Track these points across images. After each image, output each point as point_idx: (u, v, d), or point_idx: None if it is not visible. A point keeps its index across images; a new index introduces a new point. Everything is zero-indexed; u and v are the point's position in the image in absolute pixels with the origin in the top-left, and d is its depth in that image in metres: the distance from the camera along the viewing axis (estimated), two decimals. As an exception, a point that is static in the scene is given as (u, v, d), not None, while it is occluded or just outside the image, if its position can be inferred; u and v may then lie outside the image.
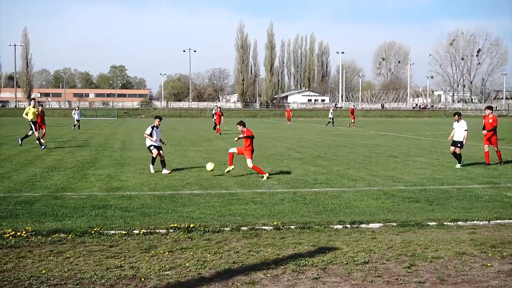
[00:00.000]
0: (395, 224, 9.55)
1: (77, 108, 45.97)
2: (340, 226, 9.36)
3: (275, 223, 9.39)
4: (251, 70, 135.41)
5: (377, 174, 16.19)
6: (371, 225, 9.48)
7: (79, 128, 42.90)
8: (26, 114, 25.09)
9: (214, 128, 39.98)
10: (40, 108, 27.45)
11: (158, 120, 16.39)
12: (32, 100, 26.57)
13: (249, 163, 15.33)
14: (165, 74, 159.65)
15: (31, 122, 24.89)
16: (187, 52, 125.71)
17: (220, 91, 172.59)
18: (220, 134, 37.25)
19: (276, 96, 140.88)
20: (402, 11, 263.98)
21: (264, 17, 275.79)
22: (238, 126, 15.55)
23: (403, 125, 57.72)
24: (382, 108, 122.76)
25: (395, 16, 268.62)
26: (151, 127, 16.34)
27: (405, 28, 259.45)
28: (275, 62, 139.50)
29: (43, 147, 23.88)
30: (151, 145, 16.30)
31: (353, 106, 79.63)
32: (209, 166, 15.86)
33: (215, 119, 39.91)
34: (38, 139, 24.94)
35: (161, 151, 16.33)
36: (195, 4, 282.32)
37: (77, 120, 43.78)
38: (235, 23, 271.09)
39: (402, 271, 6.86)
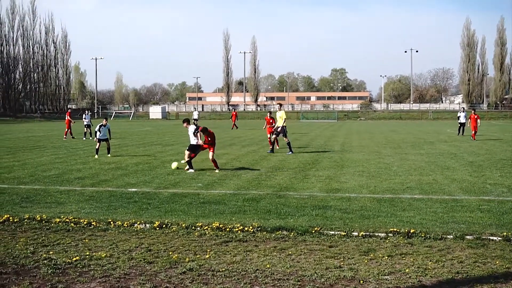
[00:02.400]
0: None
1: None
2: None
3: (505, 233, 8.67)
4: (478, 69, 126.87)
5: None
6: None
7: None
8: (281, 118, 24.00)
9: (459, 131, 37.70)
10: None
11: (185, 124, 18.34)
12: (279, 105, 25.88)
13: (211, 156, 17.34)
14: (385, 75, 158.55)
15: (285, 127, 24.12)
16: (408, 53, 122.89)
17: (443, 92, 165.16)
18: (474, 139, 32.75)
19: (506, 96, 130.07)
20: None
21: (493, 11, 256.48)
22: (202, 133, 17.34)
23: None
24: None
25: None
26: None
27: None
28: (506, 60, 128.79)
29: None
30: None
31: None
32: (174, 164, 17.67)
33: (460, 123, 37.18)
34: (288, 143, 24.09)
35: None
36: (416, 2, 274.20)
37: None
38: (460, 20, 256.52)
39: None
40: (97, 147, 22.08)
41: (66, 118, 36.08)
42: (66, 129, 35.71)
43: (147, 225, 9.47)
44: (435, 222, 9.76)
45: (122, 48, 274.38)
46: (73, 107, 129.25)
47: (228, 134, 40.58)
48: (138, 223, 9.57)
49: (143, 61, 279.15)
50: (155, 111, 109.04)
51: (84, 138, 34.71)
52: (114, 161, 20.25)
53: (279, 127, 23.95)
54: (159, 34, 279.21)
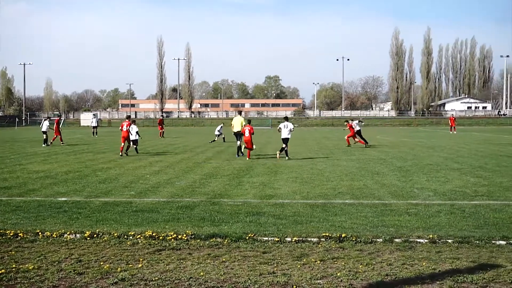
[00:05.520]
0: None
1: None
2: (503, 242, 8.71)
3: (431, 236, 9.01)
4: (406, 77, 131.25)
5: (547, 187, 14.84)
6: (540, 243, 8.69)
7: None
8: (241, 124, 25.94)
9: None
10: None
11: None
12: (239, 112, 28.02)
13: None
14: (318, 83, 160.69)
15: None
16: (340, 61, 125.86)
17: (373, 99, 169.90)
18: None
19: (432, 104, 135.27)
20: None
21: (420, 22, 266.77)
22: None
23: None
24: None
25: None
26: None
27: None
28: (431, 69, 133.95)
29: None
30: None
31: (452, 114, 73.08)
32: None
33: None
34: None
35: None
36: (348, 12, 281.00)
37: None
38: (390, 29, 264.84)
39: None
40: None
41: (55, 125, 36.57)
42: (56, 136, 35.91)
43: (77, 235, 9.22)
44: (365, 226, 10.01)
45: (52, 54, 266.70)
46: (0, 114, 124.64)
47: (161, 142, 40.15)
48: (68, 233, 9.30)
49: (74, 67, 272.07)
50: (86, 118, 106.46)
51: (44, 145, 34.29)
52: (43, 170, 19.60)
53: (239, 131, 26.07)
54: (90, 40, 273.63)
